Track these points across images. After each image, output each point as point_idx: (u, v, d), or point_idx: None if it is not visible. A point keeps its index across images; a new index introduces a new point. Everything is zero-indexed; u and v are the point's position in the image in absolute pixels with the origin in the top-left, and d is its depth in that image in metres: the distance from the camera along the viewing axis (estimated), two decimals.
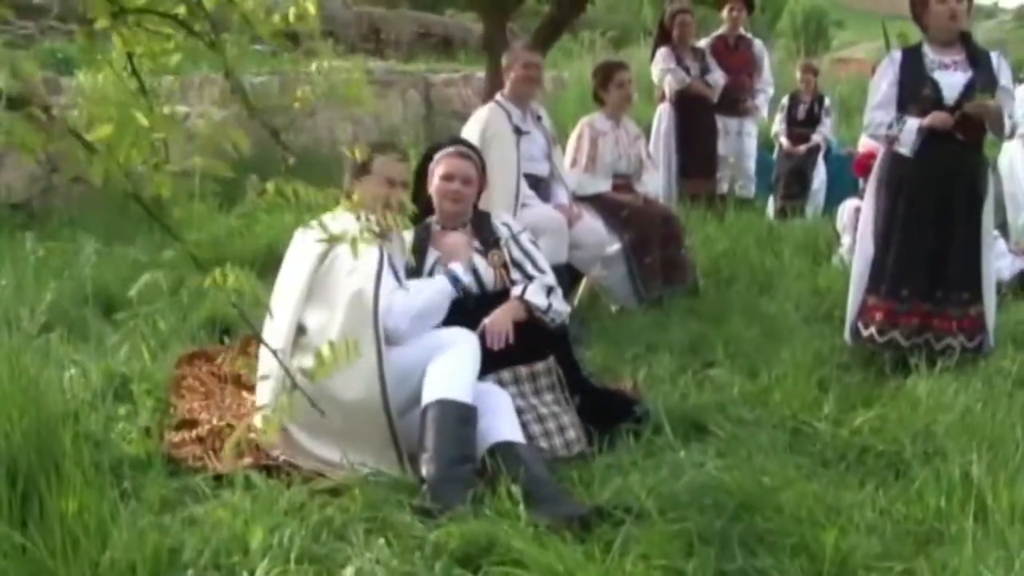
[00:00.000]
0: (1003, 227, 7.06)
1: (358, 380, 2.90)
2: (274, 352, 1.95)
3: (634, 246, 4.82)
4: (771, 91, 7.57)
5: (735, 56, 7.27)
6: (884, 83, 4.06)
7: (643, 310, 4.73)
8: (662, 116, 7.05)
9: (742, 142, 7.37)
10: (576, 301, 4.86)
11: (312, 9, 1.30)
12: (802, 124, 7.84)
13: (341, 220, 3.27)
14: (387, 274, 3.08)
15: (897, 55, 4.09)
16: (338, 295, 2.97)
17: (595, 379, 3.59)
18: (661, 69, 6.99)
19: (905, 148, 3.94)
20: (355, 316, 2.92)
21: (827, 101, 8.05)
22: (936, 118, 3.90)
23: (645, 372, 3.82)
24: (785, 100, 7.96)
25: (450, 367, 2.90)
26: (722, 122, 7.18)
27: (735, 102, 7.22)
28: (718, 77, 7.02)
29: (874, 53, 21.04)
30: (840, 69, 18.71)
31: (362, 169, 3.22)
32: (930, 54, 4.02)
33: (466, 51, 13.32)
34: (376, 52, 12.55)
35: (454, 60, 12.80)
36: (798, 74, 8.06)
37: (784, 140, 7.85)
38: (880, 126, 4.00)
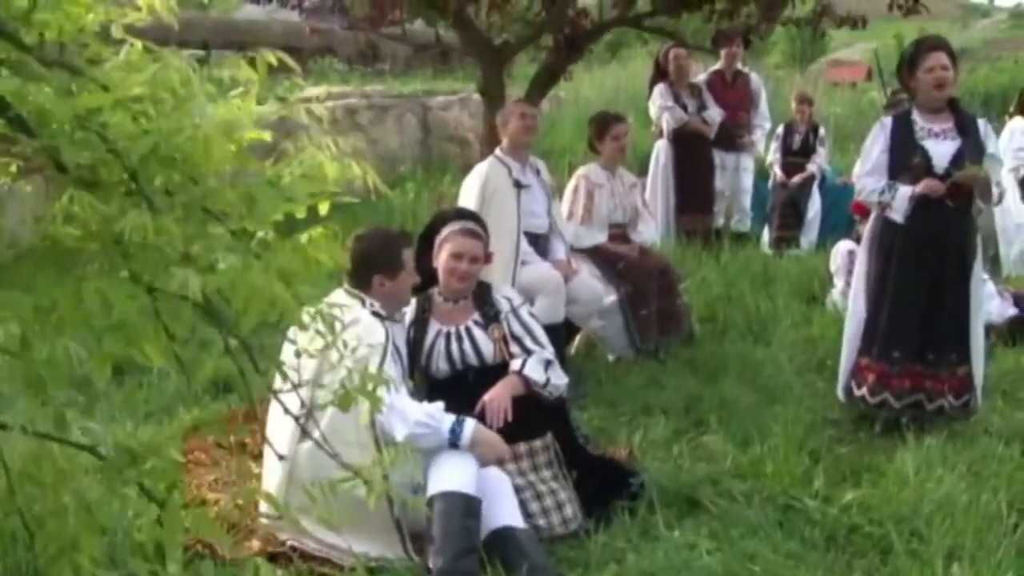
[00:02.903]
0: (995, 259, 7.12)
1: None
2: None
3: (630, 298, 4.90)
4: (768, 126, 7.64)
5: (732, 92, 7.34)
6: (875, 149, 4.14)
7: (639, 362, 4.82)
8: (659, 152, 7.13)
9: (739, 177, 7.46)
10: (572, 351, 4.95)
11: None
12: (797, 154, 7.89)
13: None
14: (391, 357, 3.15)
15: (888, 122, 4.17)
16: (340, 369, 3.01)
17: (592, 446, 3.68)
18: (659, 106, 7.06)
19: (897, 215, 4.03)
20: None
21: (822, 131, 8.11)
22: (927, 186, 3.98)
23: (640, 436, 3.91)
24: (780, 130, 8.01)
25: (455, 459, 2.99)
26: (719, 157, 7.27)
27: (732, 137, 7.30)
28: (715, 114, 7.10)
29: (868, 54, 21.01)
30: (836, 73, 18.79)
31: (398, 265, 3.30)
32: (920, 121, 4.09)
33: (463, 65, 13.35)
34: (372, 66, 12.58)
35: (452, 74, 12.84)
36: (793, 104, 8.12)
37: (778, 171, 7.90)
38: (873, 192, 4.08)
